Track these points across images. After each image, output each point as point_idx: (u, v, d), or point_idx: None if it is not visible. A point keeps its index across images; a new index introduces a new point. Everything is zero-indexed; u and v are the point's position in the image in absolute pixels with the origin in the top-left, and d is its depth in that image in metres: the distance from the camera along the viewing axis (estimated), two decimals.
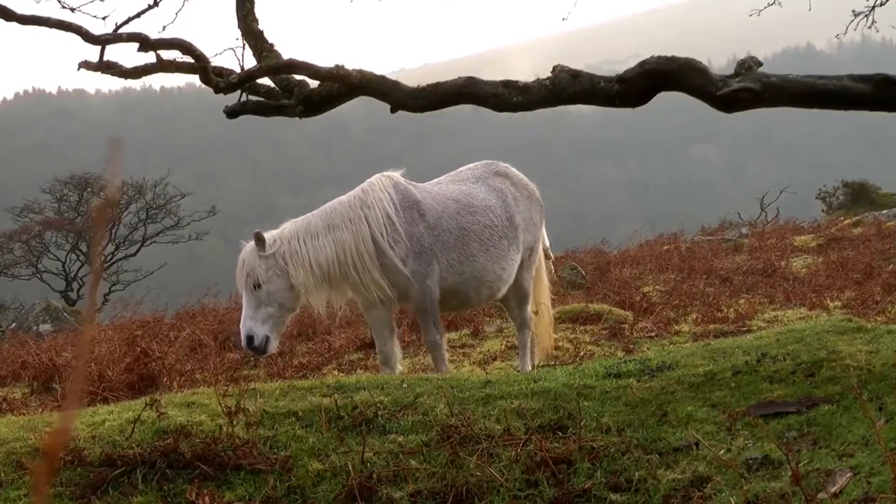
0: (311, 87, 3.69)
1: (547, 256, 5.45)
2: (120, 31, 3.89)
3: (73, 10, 4.16)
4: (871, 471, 2.42)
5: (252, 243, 4.40)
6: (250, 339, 4.32)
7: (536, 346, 5.19)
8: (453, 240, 4.56)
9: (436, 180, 4.98)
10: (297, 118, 3.72)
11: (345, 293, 4.58)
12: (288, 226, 4.57)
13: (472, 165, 5.11)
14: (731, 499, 2.45)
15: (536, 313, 5.19)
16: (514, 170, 5.10)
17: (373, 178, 4.65)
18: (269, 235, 4.49)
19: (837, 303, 6.60)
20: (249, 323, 4.31)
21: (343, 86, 3.48)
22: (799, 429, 2.73)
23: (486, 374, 4.84)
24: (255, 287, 4.35)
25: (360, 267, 4.40)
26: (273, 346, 4.41)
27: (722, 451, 2.65)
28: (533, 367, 4.92)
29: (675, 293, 7.78)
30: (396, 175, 4.70)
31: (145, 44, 3.79)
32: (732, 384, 3.10)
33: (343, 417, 3.13)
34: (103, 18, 3.95)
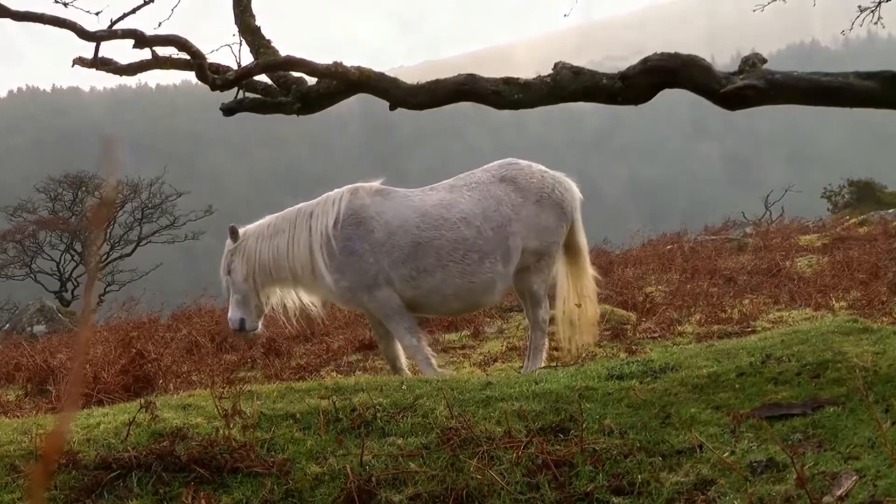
0: (309, 84, 3.65)
1: None
2: (115, 27, 3.85)
3: (65, 4, 4.11)
4: (877, 474, 2.39)
5: None
6: (230, 321, 4.96)
7: (545, 349, 5.13)
8: (404, 256, 4.65)
9: (439, 184, 4.96)
10: (294, 115, 3.67)
11: (297, 291, 4.99)
12: (261, 221, 5.05)
13: (488, 166, 5.04)
14: (734, 502, 2.42)
15: (579, 306, 5.14)
16: (530, 170, 4.93)
17: (339, 189, 4.94)
18: (243, 229, 4.99)
19: (843, 303, 6.55)
20: (229, 306, 4.93)
21: (341, 83, 3.44)
22: (804, 431, 2.70)
23: (487, 375, 4.80)
24: (227, 274, 4.96)
25: (297, 272, 4.81)
26: (250, 326, 4.92)
27: (726, 454, 2.62)
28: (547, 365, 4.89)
29: (678, 293, 7.74)
30: (368, 185, 4.90)
31: (141, 40, 3.74)
32: (736, 386, 3.07)
33: (341, 420, 3.09)
34: (97, 14, 3.90)
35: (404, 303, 4.71)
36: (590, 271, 5.26)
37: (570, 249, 5.12)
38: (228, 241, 4.94)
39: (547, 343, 5.11)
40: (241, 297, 4.88)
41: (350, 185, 4.90)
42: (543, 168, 5.02)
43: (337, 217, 4.72)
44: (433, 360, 4.77)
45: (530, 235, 4.83)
